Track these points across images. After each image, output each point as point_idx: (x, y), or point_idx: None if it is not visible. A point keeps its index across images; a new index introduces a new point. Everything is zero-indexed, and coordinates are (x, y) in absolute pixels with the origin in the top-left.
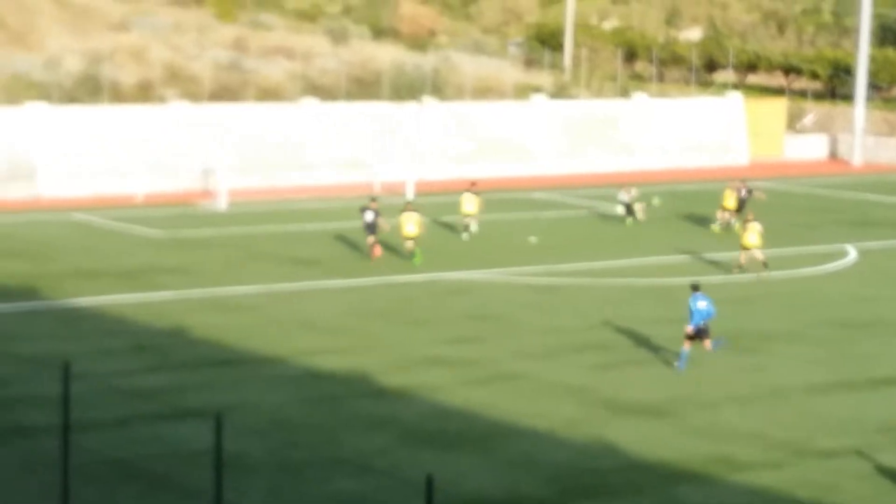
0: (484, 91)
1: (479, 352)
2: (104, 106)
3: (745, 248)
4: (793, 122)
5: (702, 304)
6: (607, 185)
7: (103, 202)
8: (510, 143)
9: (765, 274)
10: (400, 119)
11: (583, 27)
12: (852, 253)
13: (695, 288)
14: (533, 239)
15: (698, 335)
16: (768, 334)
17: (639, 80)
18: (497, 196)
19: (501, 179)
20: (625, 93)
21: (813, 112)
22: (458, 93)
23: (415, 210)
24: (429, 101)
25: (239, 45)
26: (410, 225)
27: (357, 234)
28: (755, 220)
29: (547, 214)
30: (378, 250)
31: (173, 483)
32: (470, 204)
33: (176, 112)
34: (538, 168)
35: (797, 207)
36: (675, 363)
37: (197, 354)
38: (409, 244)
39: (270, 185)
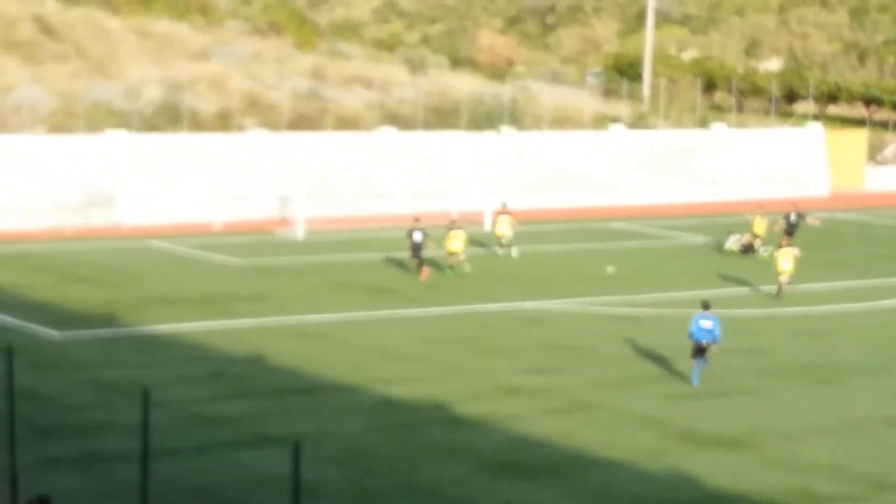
0: (562, 121)
1: (557, 381)
2: (183, 134)
3: (780, 273)
4: (874, 154)
5: (706, 324)
6: (685, 216)
7: (182, 230)
8: (587, 173)
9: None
10: (477, 148)
11: (662, 57)
12: None
13: (704, 306)
14: (610, 269)
15: (700, 353)
16: (847, 366)
17: (718, 110)
18: (574, 226)
19: (578, 209)
20: (703, 123)
21: (894, 143)
22: (536, 122)
23: (460, 228)
24: (506, 131)
25: (317, 74)
26: (456, 242)
27: (432, 263)
28: (791, 245)
29: (625, 244)
30: (426, 271)
31: None
32: (504, 226)
33: (254, 140)
34: (616, 198)
35: (878, 239)
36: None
37: (274, 382)
38: (452, 259)
39: (347, 213)
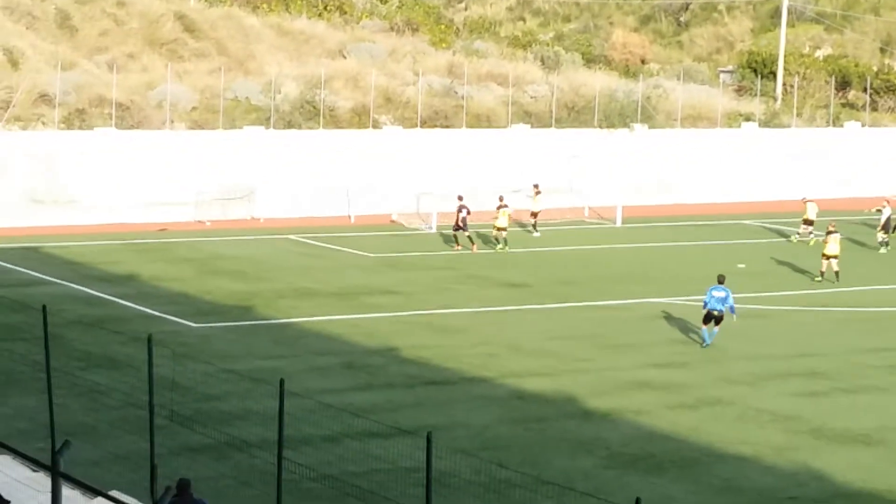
0: (694, 119)
1: (685, 377)
2: (320, 130)
3: (827, 258)
4: None
5: (718, 294)
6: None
7: (318, 224)
8: (719, 171)
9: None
10: (610, 145)
11: (795, 55)
12: None
13: (719, 280)
14: (742, 265)
15: (714, 320)
16: None
17: (851, 108)
18: (704, 223)
19: (709, 206)
20: (837, 121)
21: None
22: (669, 120)
23: (507, 206)
24: (639, 129)
25: (452, 72)
26: (502, 219)
27: (563, 257)
28: (836, 231)
29: (756, 242)
30: (475, 246)
31: (382, 499)
32: (503, 219)
33: (390, 137)
34: (747, 195)
35: None
36: (702, 344)
37: (406, 374)
38: (498, 233)
39: (481, 208)
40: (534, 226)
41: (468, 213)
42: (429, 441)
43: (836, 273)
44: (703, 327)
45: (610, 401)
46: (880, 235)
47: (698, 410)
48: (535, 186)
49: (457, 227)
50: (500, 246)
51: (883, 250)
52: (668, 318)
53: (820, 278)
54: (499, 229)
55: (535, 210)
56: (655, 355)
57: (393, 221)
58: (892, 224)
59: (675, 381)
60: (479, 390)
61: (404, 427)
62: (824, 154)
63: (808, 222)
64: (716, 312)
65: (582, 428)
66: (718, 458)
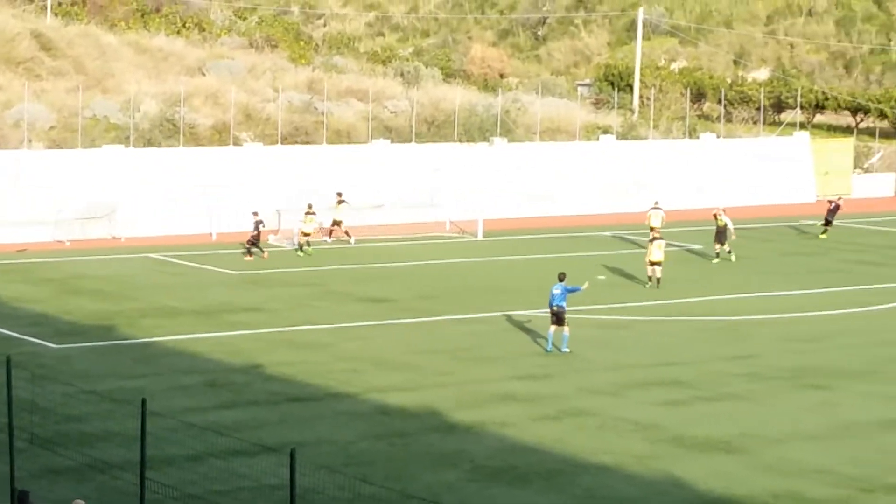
0: (553, 132)
1: (548, 388)
2: (180, 148)
3: (651, 264)
4: (860, 161)
5: (556, 291)
6: (682, 223)
7: (179, 242)
8: (581, 184)
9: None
10: (470, 159)
11: (651, 68)
12: None
13: (559, 278)
14: (601, 277)
15: (558, 321)
16: (836, 371)
17: (706, 120)
18: (563, 235)
19: (571, 217)
20: (693, 133)
21: (880, 151)
22: (528, 133)
23: (314, 213)
24: (499, 142)
25: (312, 88)
26: (309, 225)
27: (425, 272)
28: (661, 238)
29: (616, 252)
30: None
31: None
32: (310, 226)
33: (250, 153)
34: (606, 207)
35: (864, 245)
36: (555, 347)
37: (270, 391)
38: (303, 238)
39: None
40: (343, 232)
41: (263, 226)
42: (292, 458)
43: (658, 280)
44: (549, 330)
45: (474, 414)
46: (717, 246)
47: (561, 421)
48: (339, 195)
49: (252, 241)
50: (302, 252)
51: (716, 260)
52: (531, 330)
53: (650, 284)
54: (304, 234)
55: (337, 219)
56: (518, 367)
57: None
58: (728, 234)
59: (538, 393)
60: (344, 406)
61: (268, 444)
62: (681, 165)
63: (653, 230)
64: (555, 308)
65: (446, 441)
66: (581, 468)
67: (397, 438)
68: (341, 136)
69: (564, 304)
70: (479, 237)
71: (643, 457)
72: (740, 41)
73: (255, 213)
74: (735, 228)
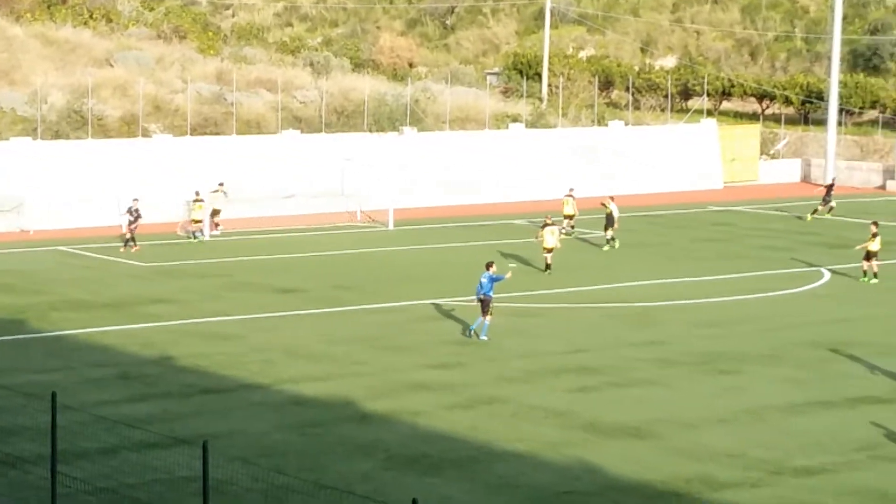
0: (463, 121)
1: (461, 376)
2: (89, 140)
3: (546, 251)
4: (766, 148)
5: (483, 280)
6: (588, 212)
7: (89, 234)
8: (491, 173)
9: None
10: (381, 149)
11: (559, 56)
12: (826, 275)
13: (487, 266)
14: (513, 265)
15: (482, 309)
16: (744, 356)
17: (615, 108)
18: (476, 224)
19: (482, 206)
20: (601, 121)
21: (786, 137)
22: (438, 123)
23: (202, 200)
24: (409, 132)
25: (221, 79)
26: (198, 212)
27: (336, 262)
28: (552, 224)
29: (528, 240)
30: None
31: None
32: (198, 213)
33: (160, 145)
34: (518, 195)
35: (771, 231)
36: (475, 334)
37: (183, 383)
38: (195, 226)
39: (253, 215)
40: (215, 226)
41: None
42: (205, 450)
43: (548, 266)
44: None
45: (387, 403)
46: (609, 232)
47: (475, 409)
48: (220, 185)
49: (129, 231)
50: (194, 238)
51: (606, 247)
52: (444, 318)
53: (549, 271)
54: (195, 222)
55: (217, 208)
56: (432, 356)
57: (167, 229)
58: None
59: (451, 381)
60: (257, 397)
61: (181, 436)
62: (590, 152)
63: (568, 217)
64: (480, 296)
65: (360, 431)
66: (495, 455)
67: (311, 429)
68: (251, 126)
69: (491, 293)
70: (390, 227)
71: (556, 443)
72: (647, 29)
73: (136, 200)
74: (643, 216)
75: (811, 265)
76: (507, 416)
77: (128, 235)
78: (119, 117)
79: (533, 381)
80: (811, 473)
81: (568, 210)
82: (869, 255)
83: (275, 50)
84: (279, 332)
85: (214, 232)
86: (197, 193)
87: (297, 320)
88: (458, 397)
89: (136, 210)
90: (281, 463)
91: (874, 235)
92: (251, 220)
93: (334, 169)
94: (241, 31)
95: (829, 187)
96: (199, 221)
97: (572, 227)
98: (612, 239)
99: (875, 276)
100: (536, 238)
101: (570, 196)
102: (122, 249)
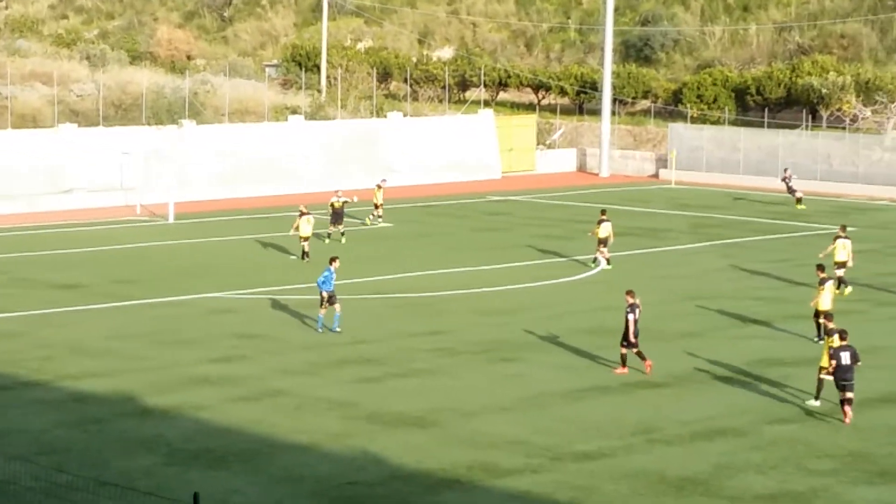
0: (242, 114)
1: (245, 370)
2: None
3: (302, 239)
4: (543, 137)
5: (325, 274)
6: (369, 203)
7: None
8: (270, 165)
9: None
10: (160, 142)
11: (338, 48)
12: (602, 262)
13: (330, 261)
14: (293, 257)
15: (325, 301)
16: (525, 344)
17: (393, 99)
18: (259, 217)
19: (263, 198)
20: (380, 112)
21: (562, 127)
22: (217, 115)
23: None
24: (188, 125)
25: None
26: None
27: (117, 256)
28: (308, 213)
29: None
30: None
31: None
32: None
33: None
34: (300, 188)
35: (548, 220)
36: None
37: None
38: None
39: (30, 210)
40: None
41: None
42: None
43: (305, 253)
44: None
45: (170, 398)
46: (330, 229)
47: (259, 402)
48: None
49: None
50: None
51: (327, 241)
52: (227, 312)
53: (302, 258)
54: None
55: None
56: (216, 350)
57: None
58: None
59: (235, 375)
60: (36, 394)
61: None
62: (371, 144)
63: (377, 206)
64: (324, 294)
65: (142, 426)
66: (279, 448)
67: (92, 425)
68: (26, 120)
69: (330, 288)
70: (170, 220)
71: (339, 434)
72: (424, 21)
73: None
74: (424, 206)
75: (588, 253)
76: (290, 408)
77: None
78: None
79: (316, 372)
80: (590, 458)
81: (378, 200)
82: (599, 242)
83: (50, 43)
84: (60, 328)
85: None
86: None
87: (78, 316)
88: (241, 390)
89: None
90: (62, 460)
91: (600, 222)
92: (28, 216)
93: (113, 163)
94: (14, 23)
95: (784, 180)
96: None
97: (379, 216)
98: (339, 234)
99: (608, 262)
100: (292, 231)
101: (380, 186)
102: None
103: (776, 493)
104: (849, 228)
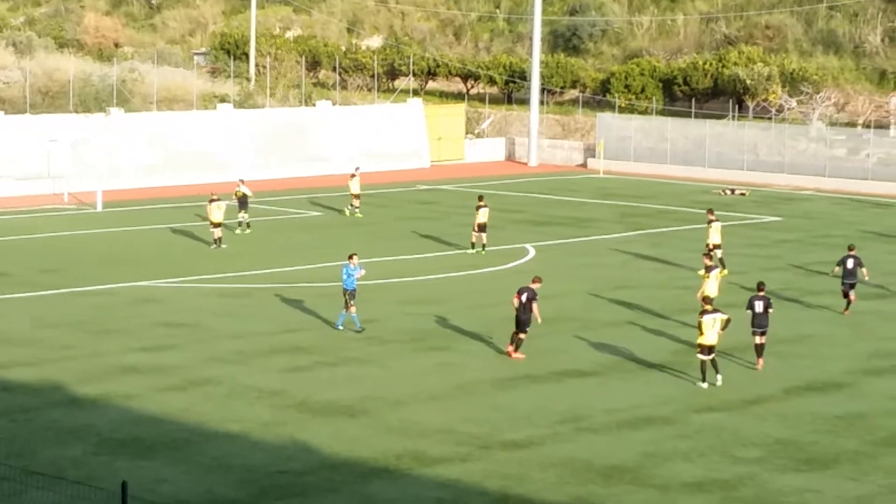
0: (170, 101)
1: (174, 358)
2: None
3: (213, 225)
4: (472, 127)
5: (344, 275)
6: (298, 191)
7: None
8: (199, 153)
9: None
10: (87, 131)
11: (266, 36)
12: (531, 251)
13: (349, 257)
14: (224, 246)
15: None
16: (455, 332)
17: (322, 87)
18: (185, 205)
19: (190, 187)
20: (309, 101)
21: (490, 116)
22: (145, 103)
23: None
24: (116, 113)
25: None
26: None
27: (44, 245)
28: (218, 199)
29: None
30: None
31: None
32: None
33: None
34: (229, 177)
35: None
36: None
37: None
38: None
39: None
40: None
41: None
42: None
43: (217, 240)
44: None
45: (98, 387)
46: (241, 215)
47: (187, 391)
48: None
49: None
50: None
51: (238, 230)
52: (155, 301)
53: (217, 246)
54: None
55: None
56: (144, 339)
57: None
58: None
59: (164, 364)
60: None
61: None
62: (300, 133)
63: (356, 196)
64: (347, 292)
65: (70, 416)
66: (208, 437)
67: (20, 414)
68: None
69: (353, 286)
70: (98, 209)
71: (269, 423)
72: (353, 9)
73: None
74: (359, 194)
75: (517, 242)
76: (220, 397)
77: None
78: None
79: (245, 361)
80: (519, 447)
81: (354, 189)
82: (479, 227)
83: None
84: None
85: None
86: None
87: (4, 305)
88: (170, 379)
89: None
90: None
91: (478, 208)
92: None
93: (39, 150)
94: None
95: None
96: None
97: (356, 206)
98: (245, 224)
99: (483, 247)
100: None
101: (356, 175)
102: None
103: (703, 481)
104: (775, 218)
